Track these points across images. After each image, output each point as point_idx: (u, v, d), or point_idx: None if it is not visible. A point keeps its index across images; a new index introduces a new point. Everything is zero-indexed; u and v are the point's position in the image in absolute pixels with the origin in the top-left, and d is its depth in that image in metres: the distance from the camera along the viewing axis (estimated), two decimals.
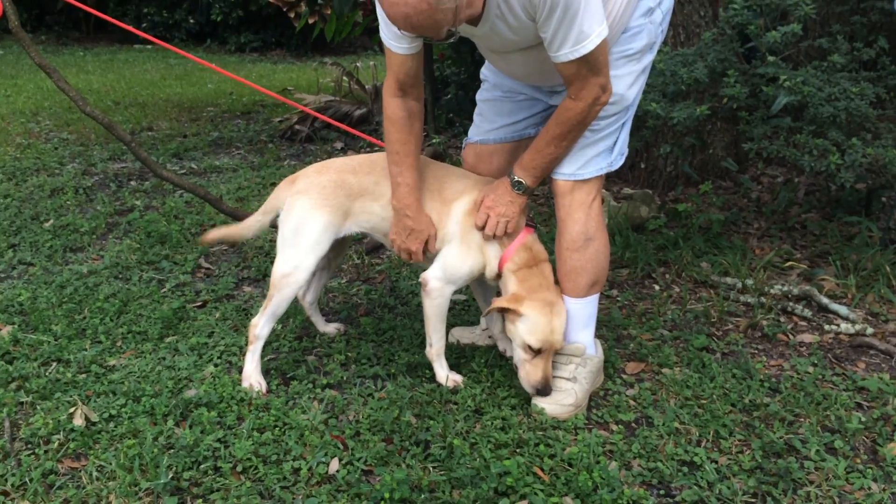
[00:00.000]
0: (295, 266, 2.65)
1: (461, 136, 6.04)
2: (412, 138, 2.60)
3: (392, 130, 2.60)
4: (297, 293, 2.75)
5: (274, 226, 2.78)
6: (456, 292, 2.75)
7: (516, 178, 2.54)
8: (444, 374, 2.74)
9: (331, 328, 3.16)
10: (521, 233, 2.62)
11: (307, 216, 2.66)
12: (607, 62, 2.32)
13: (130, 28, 3.56)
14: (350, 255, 4.00)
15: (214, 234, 2.97)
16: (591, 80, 2.30)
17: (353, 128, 6.79)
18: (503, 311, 2.56)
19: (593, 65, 2.26)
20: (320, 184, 2.69)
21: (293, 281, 2.66)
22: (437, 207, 2.68)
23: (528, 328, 2.51)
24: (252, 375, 2.70)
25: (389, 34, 2.43)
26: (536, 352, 2.52)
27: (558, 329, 2.53)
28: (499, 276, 2.65)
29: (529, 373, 2.54)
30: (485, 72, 2.83)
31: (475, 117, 2.88)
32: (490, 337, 3.03)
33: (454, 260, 2.65)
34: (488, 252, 2.64)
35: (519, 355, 2.57)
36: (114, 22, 3.79)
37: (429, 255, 2.71)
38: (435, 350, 2.75)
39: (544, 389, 2.53)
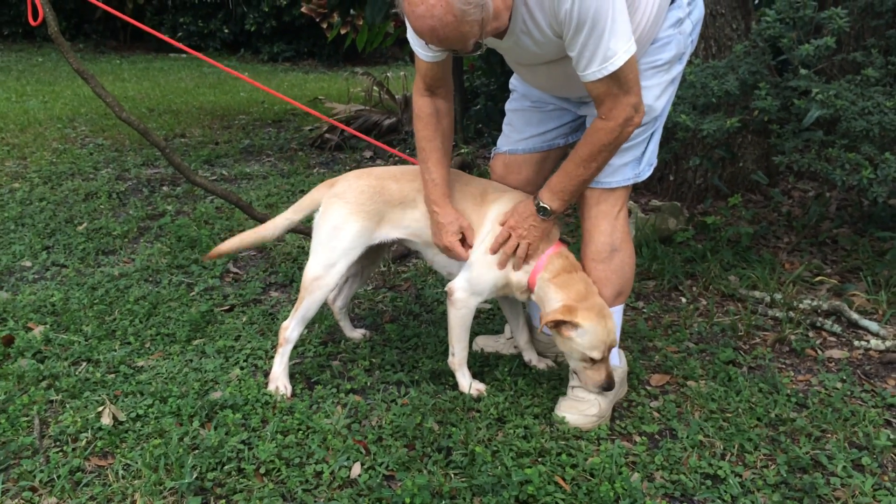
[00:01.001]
0: (326, 269, 2.66)
1: (490, 146, 6.06)
2: (438, 135, 2.61)
3: (419, 127, 2.62)
4: (328, 297, 2.76)
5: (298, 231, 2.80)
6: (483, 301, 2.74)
7: (542, 204, 2.49)
8: (467, 384, 2.73)
9: (357, 334, 3.18)
10: (553, 246, 2.59)
11: (342, 221, 2.67)
12: (638, 81, 2.27)
13: (163, 37, 3.62)
14: None
15: (229, 244, 2.90)
16: (622, 99, 2.25)
17: (382, 137, 6.84)
18: (557, 325, 2.48)
19: (623, 83, 2.22)
20: (358, 188, 2.70)
21: (323, 284, 2.67)
22: (475, 210, 2.66)
23: (589, 342, 2.45)
24: (279, 378, 2.72)
25: (416, 42, 2.45)
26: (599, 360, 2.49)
27: (613, 330, 2.48)
28: (530, 290, 2.61)
29: (592, 377, 2.50)
30: (513, 82, 2.83)
31: (504, 127, 2.87)
32: (515, 347, 3.02)
33: (479, 269, 2.63)
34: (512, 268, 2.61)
35: (577, 365, 2.53)
36: (148, 30, 3.86)
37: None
38: (457, 360, 2.74)
39: (609, 385, 2.50)
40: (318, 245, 2.69)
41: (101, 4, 4.00)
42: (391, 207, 2.70)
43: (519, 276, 2.60)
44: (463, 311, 2.67)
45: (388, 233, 2.73)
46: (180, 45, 3.83)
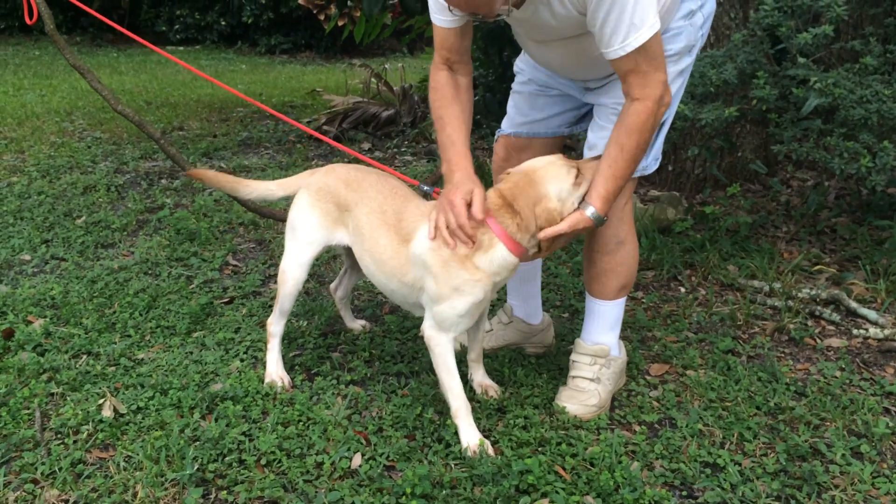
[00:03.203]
0: (291, 262, 2.69)
1: (488, 137, 6.05)
2: (456, 103, 2.48)
3: (435, 98, 2.53)
4: (297, 287, 2.70)
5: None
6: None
7: (598, 214, 2.31)
8: (467, 437, 2.37)
9: (357, 325, 3.18)
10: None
11: (303, 211, 2.67)
12: (664, 56, 2.22)
13: (147, 42, 3.61)
14: None
15: (210, 175, 2.85)
16: (653, 75, 2.19)
17: (380, 129, 6.84)
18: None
19: (652, 58, 2.16)
20: (320, 183, 2.68)
21: (290, 277, 2.69)
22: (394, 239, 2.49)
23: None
24: (274, 371, 2.73)
25: (435, 6, 2.40)
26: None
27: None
28: (520, 251, 2.35)
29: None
30: (519, 64, 2.77)
31: (509, 108, 2.81)
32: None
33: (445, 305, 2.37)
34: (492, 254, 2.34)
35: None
36: (129, 34, 3.84)
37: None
38: (453, 410, 2.42)
39: None
40: (287, 237, 2.72)
41: (90, 11, 3.98)
42: (340, 212, 2.63)
43: (501, 252, 2.33)
44: (438, 350, 2.42)
45: (342, 238, 2.66)
46: (159, 49, 3.78)
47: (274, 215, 4.16)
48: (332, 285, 3.13)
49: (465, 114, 2.50)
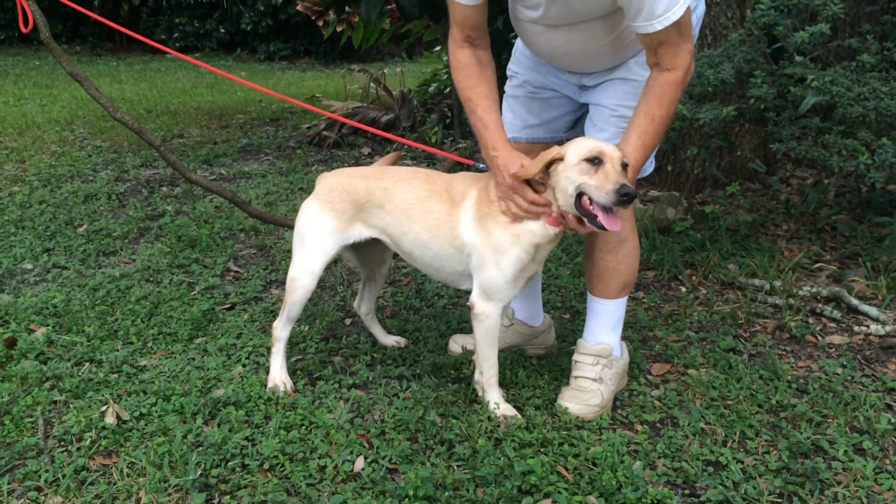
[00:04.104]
0: (302, 269, 2.66)
1: None
2: (483, 82, 2.48)
3: (460, 78, 2.50)
4: (307, 296, 2.70)
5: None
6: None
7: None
8: (496, 404, 2.55)
9: (391, 340, 3.10)
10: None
11: (314, 218, 2.66)
12: (691, 26, 2.25)
13: (153, 42, 3.63)
14: None
15: None
16: (683, 46, 2.22)
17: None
18: (547, 167, 2.33)
19: (683, 29, 2.19)
20: (329, 186, 2.68)
21: (300, 285, 2.67)
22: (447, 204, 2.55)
23: (574, 152, 2.28)
24: (278, 376, 2.73)
25: None
26: (596, 162, 2.24)
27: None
28: (557, 230, 2.41)
29: (601, 185, 2.20)
30: (512, 67, 2.77)
31: (504, 112, 2.79)
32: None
33: (496, 264, 2.44)
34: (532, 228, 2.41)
35: (580, 184, 2.25)
36: (137, 36, 3.86)
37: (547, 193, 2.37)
38: (486, 378, 2.58)
39: (626, 192, 2.15)
40: (295, 245, 2.71)
41: (91, 14, 4.00)
42: (357, 206, 2.64)
43: (540, 230, 2.41)
44: (486, 324, 2.51)
45: (361, 232, 2.67)
46: (172, 51, 3.82)
47: (276, 221, 4.17)
48: (355, 303, 3.09)
49: (492, 92, 2.51)
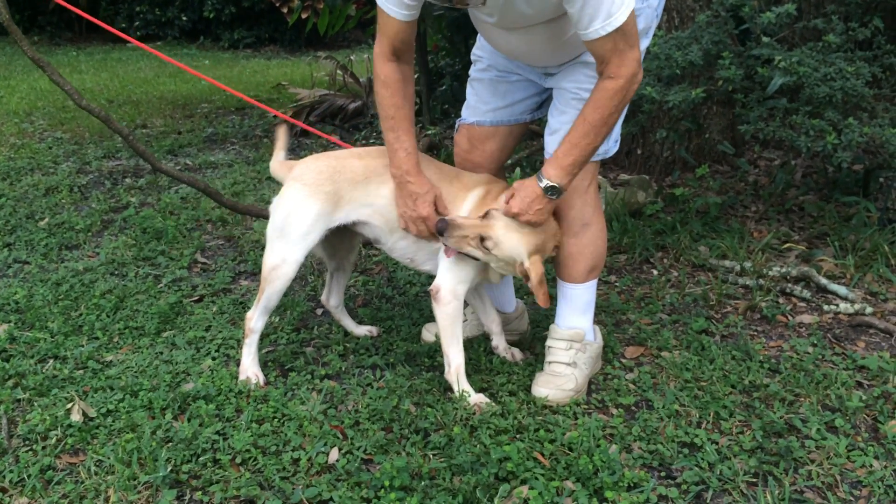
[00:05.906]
0: (283, 258, 2.60)
1: None
2: (407, 102, 2.52)
3: (387, 94, 2.50)
4: (287, 285, 2.65)
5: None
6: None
7: (550, 183, 2.34)
8: (465, 392, 2.55)
9: (362, 330, 3.06)
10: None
11: (299, 204, 2.58)
12: (637, 34, 2.23)
13: (115, 30, 3.54)
14: None
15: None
16: (628, 54, 2.20)
17: (348, 121, 6.79)
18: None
19: (628, 37, 2.17)
20: (316, 169, 2.62)
21: (282, 274, 2.60)
22: (450, 193, 2.60)
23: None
24: (249, 368, 2.68)
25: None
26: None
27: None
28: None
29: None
30: (477, 51, 2.73)
31: (469, 97, 2.78)
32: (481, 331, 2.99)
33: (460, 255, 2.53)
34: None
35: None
36: (101, 24, 3.77)
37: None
38: (454, 369, 2.57)
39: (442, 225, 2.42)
40: (275, 231, 2.62)
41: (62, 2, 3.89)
42: (353, 186, 2.60)
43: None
44: (451, 306, 2.54)
45: (349, 214, 2.63)
46: (133, 40, 3.72)
47: (249, 211, 4.10)
48: (323, 297, 3.03)
49: (412, 112, 2.57)
